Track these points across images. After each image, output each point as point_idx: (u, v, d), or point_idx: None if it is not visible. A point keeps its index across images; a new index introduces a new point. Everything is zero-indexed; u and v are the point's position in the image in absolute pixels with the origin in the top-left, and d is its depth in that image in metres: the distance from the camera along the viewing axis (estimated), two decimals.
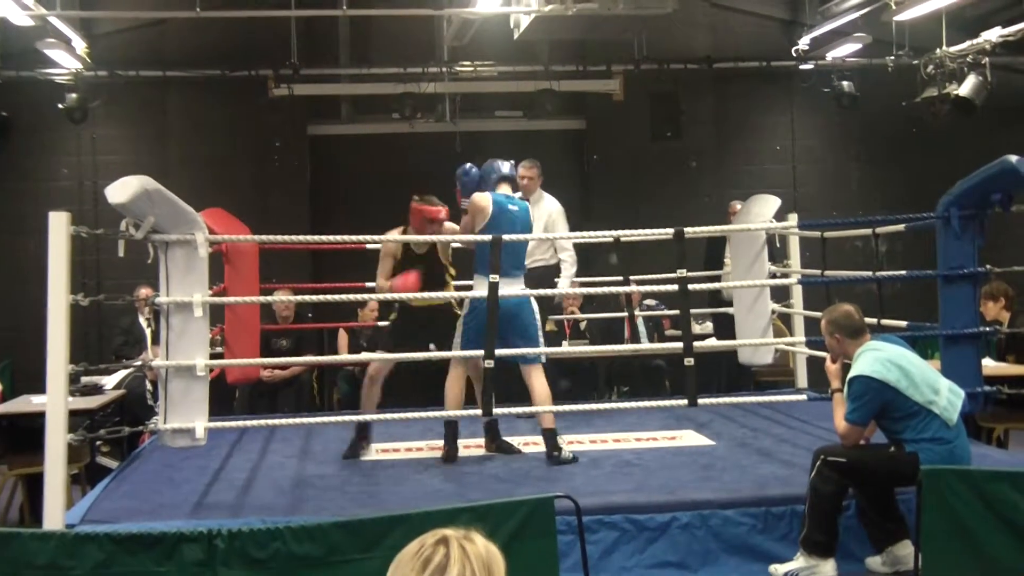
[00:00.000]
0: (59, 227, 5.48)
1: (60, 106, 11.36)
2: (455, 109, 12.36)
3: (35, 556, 4.42)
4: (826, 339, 5.80)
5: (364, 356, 8.91)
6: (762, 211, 8.62)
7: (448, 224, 7.26)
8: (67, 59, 11.16)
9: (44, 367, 5.48)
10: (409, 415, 7.92)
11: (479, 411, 6.61)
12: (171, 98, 12.30)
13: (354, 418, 7.42)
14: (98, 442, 7.92)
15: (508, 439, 7.45)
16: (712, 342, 9.63)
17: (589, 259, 8.19)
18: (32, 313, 6.52)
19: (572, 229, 8.97)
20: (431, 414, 7.48)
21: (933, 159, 12.28)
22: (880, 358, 5.43)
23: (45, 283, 5.50)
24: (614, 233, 7.41)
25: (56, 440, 5.44)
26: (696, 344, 6.75)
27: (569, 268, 8.65)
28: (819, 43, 12.31)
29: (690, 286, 6.72)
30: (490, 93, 12.71)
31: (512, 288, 6.88)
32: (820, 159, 13.37)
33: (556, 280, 8.63)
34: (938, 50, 11.23)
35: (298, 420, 7.32)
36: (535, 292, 7.24)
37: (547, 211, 8.71)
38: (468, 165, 7.54)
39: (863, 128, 13.01)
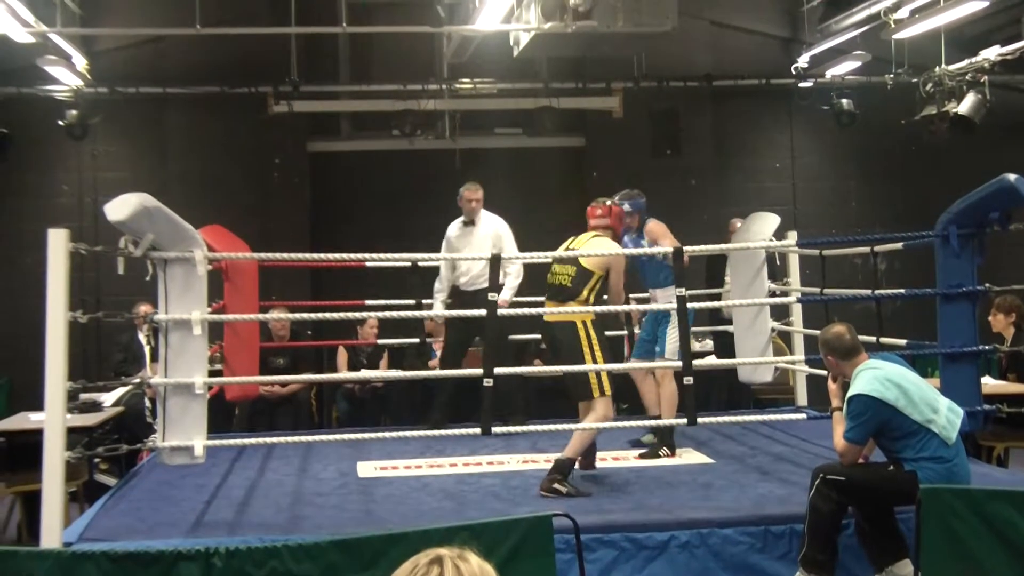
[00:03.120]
0: (58, 244, 5.48)
1: (60, 122, 11.38)
2: (455, 126, 12.38)
3: (32, 574, 4.40)
4: (823, 359, 5.81)
5: (363, 374, 8.93)
6: (761, 229, 8.63)
7: None
8: (67, 76, 11.18)
9: (43, 384, 5.47)
10: (408, 433, 7.89)
11: (477, 428, 6.58)
12: (171, 115, 12.31)
13: (354, 436, 7.40)
14: (96, 459, 7.90)
15: (506, 456, 7.46)
16: (711, 360, 9.62)
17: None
18: (31, 330, 6.51)
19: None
20: (429, 433, 7.47)
21: (932, 177, 12.30)
22: (879, 376, 5.42)
23: (44, 300, 5.49)
24: (614, 251, 7.41)
25: (54, 457, 5.43)
26: (695, 362, 6.75)
27: (513, 280, 8.77)
28: (818, 61, 12.34)
29: (690, 304, 6.72)
30: (490, 110, 12.73)
31: None
32: (819, 177, 13.38)
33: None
34: (937, 68, 11.26)
35: (297, 438, 7.31)
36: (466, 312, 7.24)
37: (494, 230, 8.90)
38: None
39: (862, 146, 13.02)
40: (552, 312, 6.90)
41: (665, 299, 7.55)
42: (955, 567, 4.86)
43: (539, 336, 10.39)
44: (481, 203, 8.91)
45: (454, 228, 8.97)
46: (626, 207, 7.69)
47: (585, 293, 6.84)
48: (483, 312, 6.62)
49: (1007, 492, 5.09)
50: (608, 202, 7.28)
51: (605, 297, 7.00)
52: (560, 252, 7.01)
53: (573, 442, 6.66)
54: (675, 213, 12.41)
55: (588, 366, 6.68)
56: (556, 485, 6.53)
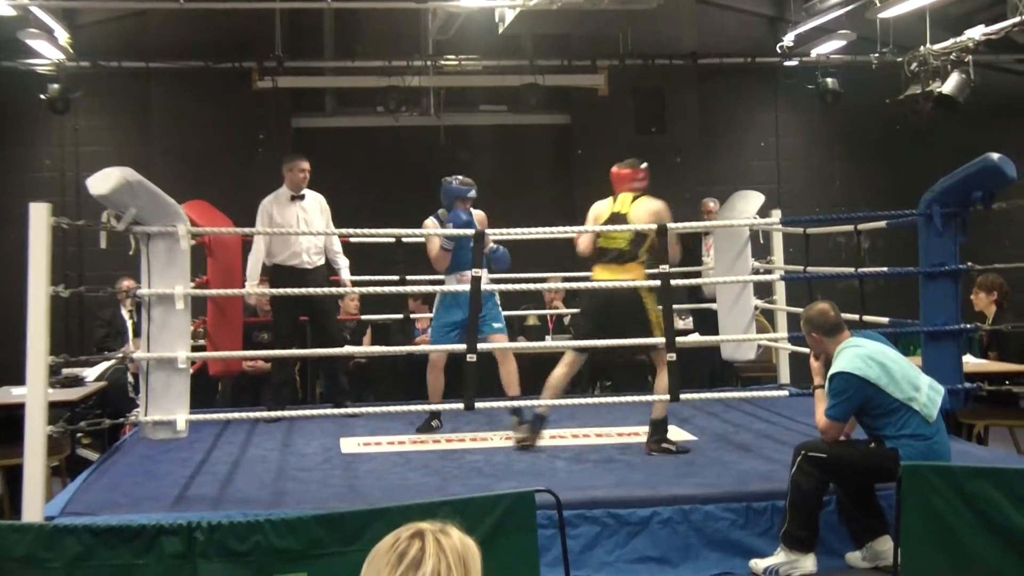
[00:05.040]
0: (40, 218, 5.45)
1: (42, 96, 11.31)
2: (439, 103, 12.36)
3: (13, 548, 4.41)
4: (806, 337, 5.83)
5: (346, 349, 8.91)
6: (746, 207, 8.64)
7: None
8: (49, 49, 11.10)
9: (25, 358, 5.45)
10: (392, 408, 7.89)
11: (461, 404, 6.59)
12: (154, 90, 12.24)
13: (345, 411, 7.40)
14: (79, 434, 7.89)
15: (490, 432, 7.49)
16: (695, 337, 9.64)
17: (573, 254, 8.27)
18: (13, 304, 6.46)
19: (556, 224, 8.97)
20: (413, 408, 7.50)
21: (916, 156, 12.32)
22: (861, 355, 5.45)
23: (26, 274, 5.47)
24: (596, 228, 7.42)
25: (35, 432, 5.41)
26: (679, 340, 6.77)
27: (344, 259, 8.70)
28: (804, 40, 12.33)
29: (672, 282, 6.73)
30: (475, 87, 12.71)
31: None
32: (804, 156, 13.39)
33: (332, 279, 8.66)
34: (922, 48, 11.26)
35: (280, 413, 7.31)
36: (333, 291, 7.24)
37: (321, 205, 8.66)
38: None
39: (847, 125, 13.03)
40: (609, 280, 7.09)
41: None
42: (934, 544, 4.90)
43: (523, 313, 10.49)
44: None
45: (277, 202, 8.50)
46: (472, 194, 7.69)
47: (642, 255, 7.07)
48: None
49: (987, 469, 5.13)
50: (644, 164, 7.29)
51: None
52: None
53: (657, 405, 6.97)
54: (659, 190, 12.33)
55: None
56: (664, 445, 6.94)
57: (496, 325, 7.72)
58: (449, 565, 2.12)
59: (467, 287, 6.82)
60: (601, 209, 7.23)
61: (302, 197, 8.53)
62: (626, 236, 7.02)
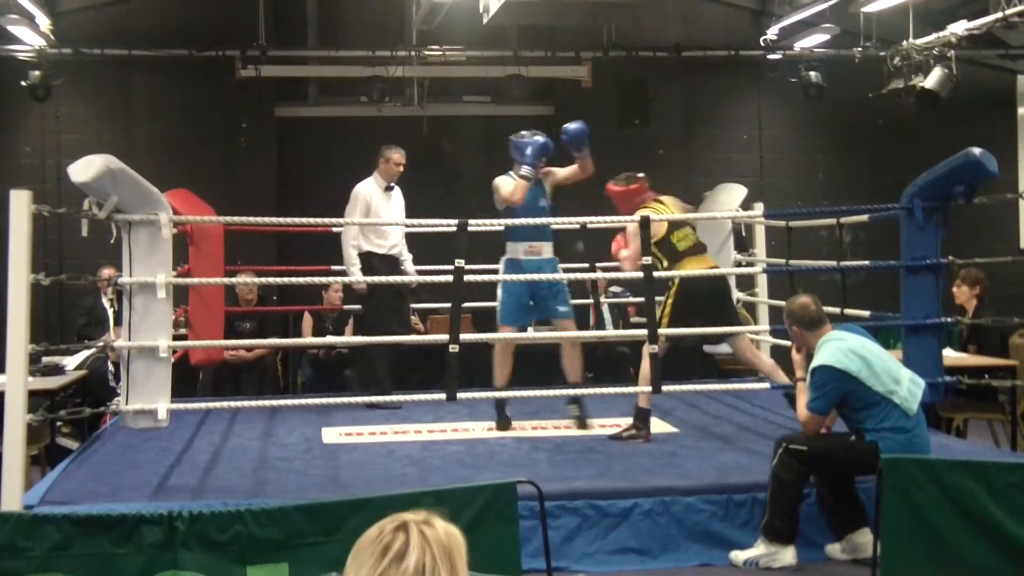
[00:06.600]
0: (20, 205, 5.42)
1: (23, 83, 11.23)
2: (423, 93, 12.31)
3: None
4: (788, 330, 5.86)
5: (328, 340, 8.90)
6: (728, 200, 8.66)
7: None
8: (30, 36, 11.02)
9: (4, 346, 5.43)
10: (373, 399, 7.88)
11: (442, 395, 6.59)
12: (136, 77, 12.16)
13: (319, 402, 7.39)
14: (59, 423, 7.86)
15: (471, 423, 7.49)
16: (675, 329, 9.64)
17: (556, 246, 8.26)
18: None
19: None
20: (397, 398, 7.47)
21: (898, 151, 12.35)
22: (842, 348, 5.47)
23: (6, 262, 5.44)
24: (581, 219, 7.42)
25: (15, 420, 5.39)
26: (660, 331, 6.78)
27: (409, 255, 8.83)
28: (787, 33, 12.34)
29: (656, 273, 6.74)
30: (458, 78, 12.67)
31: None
32: (787, 149, 13.40)
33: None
34: (905, 42, 11.29)
35: (262, 403, 7.30)
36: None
37: (401, 198, 8.86)
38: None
39: (829, 119, 13.05)
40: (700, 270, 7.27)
41: None
42: (914, 535, 4.93)
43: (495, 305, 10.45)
44: None
45: (374, 192, 8.64)
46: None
47: None
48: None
49: (966, 462, 5.17)
50: (641, 175, 7.69)
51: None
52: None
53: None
54: None
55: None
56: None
57: (562, 309, 7.59)
58: (434, 557, 2.12)
59: (533, 258, 7.29)
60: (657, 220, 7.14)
61: (392, 188, 8.66)
62: (691, 231, 7.38)
